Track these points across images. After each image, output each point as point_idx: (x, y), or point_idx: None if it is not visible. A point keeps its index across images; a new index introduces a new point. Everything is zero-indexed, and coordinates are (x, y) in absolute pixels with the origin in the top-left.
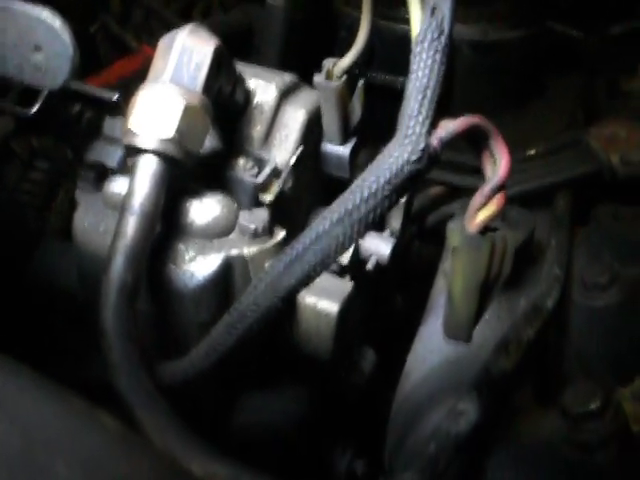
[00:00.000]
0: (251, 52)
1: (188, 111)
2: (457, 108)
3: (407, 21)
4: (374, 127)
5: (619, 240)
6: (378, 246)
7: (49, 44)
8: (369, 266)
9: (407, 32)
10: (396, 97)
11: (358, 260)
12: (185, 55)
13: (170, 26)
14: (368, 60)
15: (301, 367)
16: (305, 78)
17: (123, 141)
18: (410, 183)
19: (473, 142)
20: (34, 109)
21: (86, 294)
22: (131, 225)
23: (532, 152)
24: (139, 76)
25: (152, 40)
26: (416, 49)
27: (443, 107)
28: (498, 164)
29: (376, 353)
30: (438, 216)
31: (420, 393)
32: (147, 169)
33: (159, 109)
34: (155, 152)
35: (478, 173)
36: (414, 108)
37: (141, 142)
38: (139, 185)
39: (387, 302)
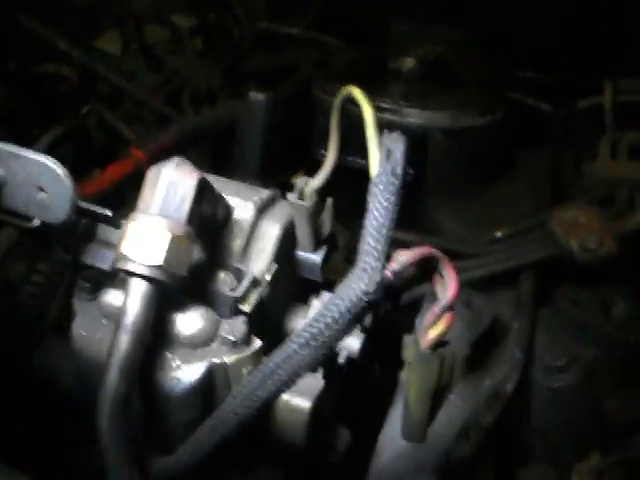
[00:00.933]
0: (234, 144)
1: (174, 241)
2: (429, 190)
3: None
4: (352, 206)
5: (577, 324)
6: (349, 341)
7: (52, 186)
8: (340, 360)
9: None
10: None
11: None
12: (171, 188)
13: (159, 115)
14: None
15: (278, 455)
16: (287, 164)
17: (116, 265)
18: (367, 310)
19: (423, 268)
20: (37, 223)
21: (84, 393)
22: (124, 341)
23: (499, 234)
24: (130, 181)
25: (143, 129)
26: (373, 190)
27: (416, 189)
28: (447, 286)
29: (354, 424)
30: (412, 294)
31: (389, 474)
32: (138, 291)
33: (149, 239)
34: (145, 277)
35: None
36: (370, 244)
37: (133, 267)
38: (131, 305)
39: (365, 377)
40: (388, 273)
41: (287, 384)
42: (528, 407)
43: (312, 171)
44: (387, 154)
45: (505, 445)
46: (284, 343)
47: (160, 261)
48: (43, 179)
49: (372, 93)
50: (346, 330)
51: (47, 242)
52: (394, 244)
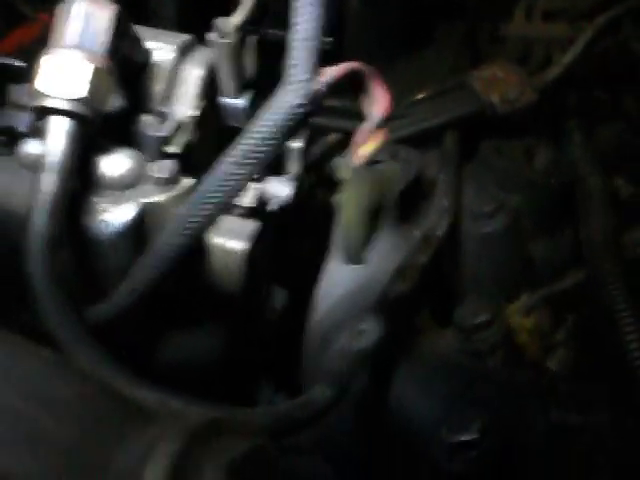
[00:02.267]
0: (147, 14)
1: (96, 73)
2: (347, 59)
3: None
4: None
5: (502, 172)
6: (279, 189)
7: None
8: (272, 207)
9: None
10: None
11: (261, 202)
12: (86, 20)
13: None
14: (260, 18)
15: (216, 305)
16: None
17: (32, 103)
18: (298, 125)
19: (355, 86)
20: None
21: (4, 252)
22: (49, 181)
23: (420, 96)
24: (39, 43)
25: (46, 7)
26: (295, 3)
27: (334, 58)
28: (377, 102)
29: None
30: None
31: (327, 322)
32: (60, 128)
33: (67, 72)
34: (66, 112)
35: None
36: (298, 57)
37: (53, 103)
38: (54, 143)
39: (295, 247)
40: (319, 85)
41: (219, 208)
42: (458, 254)
43: None
44: None
45: (439, 291)
46: (217, 164)
47: (83, 93)
48: None
49: None
50: (277, 148)
51: None
52: None
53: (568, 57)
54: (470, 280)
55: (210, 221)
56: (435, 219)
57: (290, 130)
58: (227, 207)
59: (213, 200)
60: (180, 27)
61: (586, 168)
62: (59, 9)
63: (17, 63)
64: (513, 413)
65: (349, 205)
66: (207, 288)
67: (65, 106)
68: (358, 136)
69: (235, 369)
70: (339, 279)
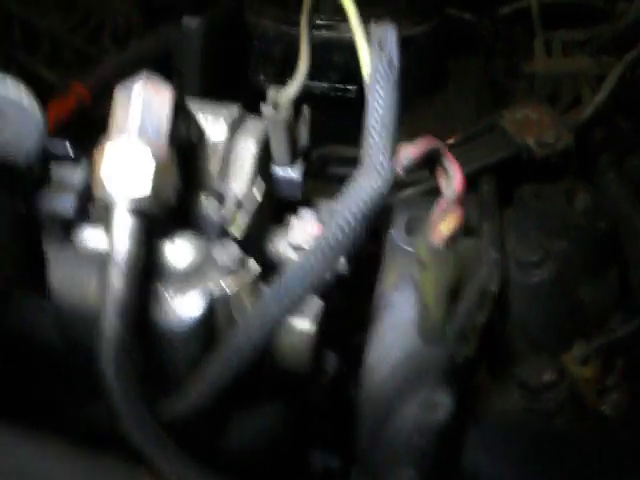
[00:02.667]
0: (171, 75)
1: (159, 167)
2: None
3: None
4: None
5: (544, 217)
6: None
7: (18, 120)
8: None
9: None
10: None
11: None
12: (146, 107)
13: (81, 54)
14: None
15: (278, 382)
16: (226, 91)
17: (95, 194)
18: (379, 210)
19: (427, 162)
20: None
21: (69, 347)
22: (119, 282)
23: (451, 141)
24: (77, 116)
25: (66, 71)
26: (370, 85)
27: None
28: (452, 179)
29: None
30: None
31: (388, 387)
32: (125, 225)
33: (131, 165)
34: (131, 210)
35: None
36: (378, 142)
37: (118, 200)
38: (120, 242)
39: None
40: (398, 170)
41: (303, 298)
42: (508, 306)
43: (252, 101)
44: (379, 45)
45: (492, 345)
46: (301, 255)
47: (147, 192)
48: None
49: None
50: (362, 235)
51: None
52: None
53: (600, 96)
54: (522, 332)
55: (292, 313)
56: (487, 273)
57: (372, 217)
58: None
59: (296, 292)
60: (206, 85)
61: (628, 208)
62: (119, 92)
63: (61, 144)
64: (593, 474)
65: (430, 289)
66: (272, 367)
67: (132, 205)
68: (436, 214)
69: (294, 441)
70: (396, 343)
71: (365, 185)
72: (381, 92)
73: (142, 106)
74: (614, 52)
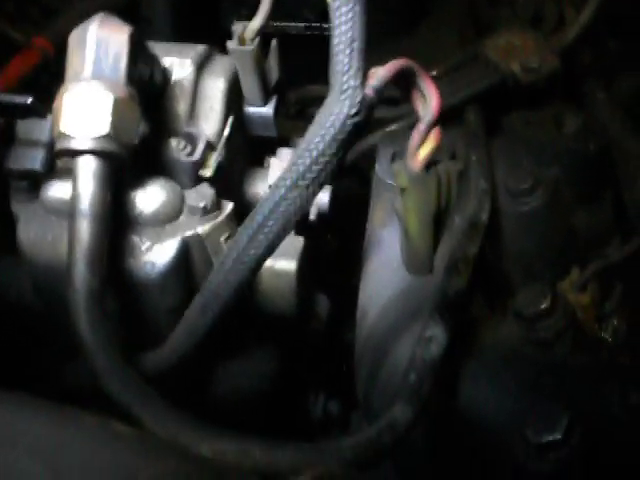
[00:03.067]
0: (139, 23)
1: (118, 104)
2: None
3: None
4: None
5: (534, 144)
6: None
7: None
8: (312, 217)
9: None
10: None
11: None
12: (101, 47)
13: (48, 9)
14: None
15: (265, 326)
16: (200, 39)
17: (57, 146)
18: (353, 136)
19: (401, 84)
20: None
21: (45, 304)
22: (85, 229)
23: (434, 73)
24: (40, 71)
25: (32, 28)
26: (334, 3)
27: None
28: (429, 101)
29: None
30: (356, 151)
31: (382, 326)
32: (88, 169)
33: (88, 107)
34: (93, 151)
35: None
36: (345, 63)
37: (78, 144)
38: (84, 187)
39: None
40: (369, 91)
41: (280, 235)
42: (500, 236)
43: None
44: None
45: (487, 276)
46: (271, 188)
47: (106, 129)
48: None
49: None
50: (335, 163)
51: None
52: None
53: (585, 16)
54: (517, 261)
55: (270, 251)
56: (477, 203)
57: (346, 142)
58: (287, 234)
59: (273, 228)
60: (177, 33)
61: (618, 129)
62: (73, 36)
63: (22, 99)
64: (594, 403)
65: (412, 216)
66: (258, 311)
67: (91, 145)
68: (414, 138)
69: (288, 385)
70: (387, 281)
71: (335, 109)
72: (345, 10)
73: (97, 47)
74: None
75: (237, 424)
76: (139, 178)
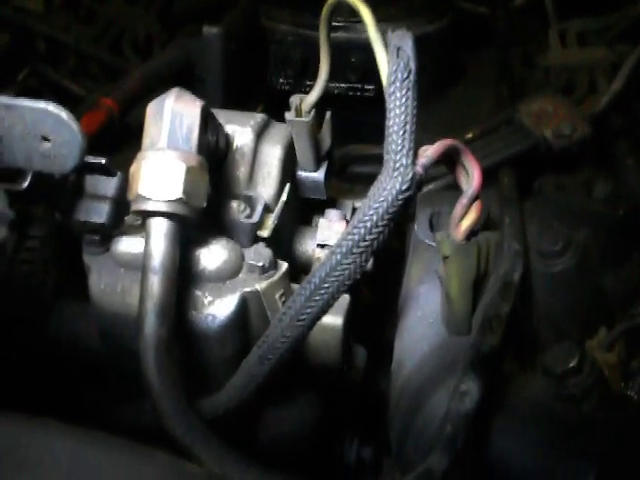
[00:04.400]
0: (194, 83)
1: (189, 172)
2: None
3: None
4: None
5: (565, 208)
6: None
7: (57, 134)
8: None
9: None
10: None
11: None
12: (176, 120)
13: (105, 66)
14: None
15: (309, 375)
16: (247, 95)
17: (133, 206)
18: (403, 209)
19: (446, 160)
20: (25, 184)
21: (108, 349)
22: (156, 283)
23: (469, 136)
24: (107, 130)
25: (91, 83)
26: (389, 90)
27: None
28: (471, 177)
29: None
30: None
31: (418, 378)
32: (160, 230)
33: (163, 174)
34: (166, 214)
35: None
36: (398, 143)
37: (153, 206)
38: (156, 245)
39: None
40: (418, 168)
41: (334, 297)
42: (531, 295)
43: (272, 103)
44: (396, 51)
45: (518, 334)
46: (328, 254)
47: (179, 194)
48: (46, 127)
49: (320, 13)
50: (386, 234)
51: (36, 203)
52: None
53: (616, 84)
54: (547, 320)
55: (325, 311)
56: (510, 264)
57: (396, 215)
58: (340, 295)
59: (328, 290)
60: (229, 92)
61: None
62: (150, 108)
63: (96, 159)
64: (621, 458)
65: (454, 283)
66: (305, 362)
67: (163, 208)
68: (457, 210)
69: (327, 432)
70: (423, 336)
71: (388, 186)
72: (398, 94)
73: (172, 119)
74: (629, 40)
75: (280, 465)
76: (203, 237)
